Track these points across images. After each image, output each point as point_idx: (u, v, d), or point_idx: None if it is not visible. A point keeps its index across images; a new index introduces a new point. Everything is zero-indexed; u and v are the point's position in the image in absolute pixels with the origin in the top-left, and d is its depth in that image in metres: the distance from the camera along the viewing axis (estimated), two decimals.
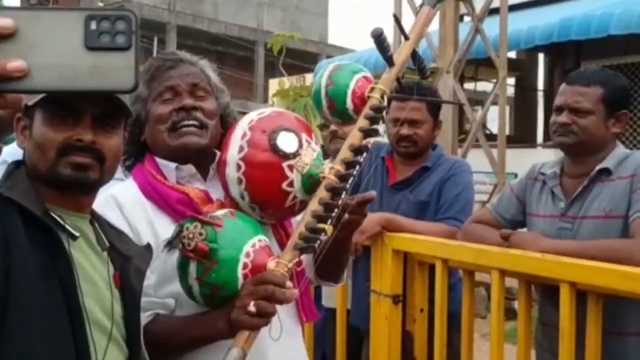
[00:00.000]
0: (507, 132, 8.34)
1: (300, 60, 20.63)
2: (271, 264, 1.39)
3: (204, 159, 1.63)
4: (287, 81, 14.08)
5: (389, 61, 1.60)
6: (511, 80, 12.41)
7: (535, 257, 2.00)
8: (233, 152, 1.49)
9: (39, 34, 0.69)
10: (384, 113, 1.58)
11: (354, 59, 12.03)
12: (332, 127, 3.03)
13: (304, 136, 1.51)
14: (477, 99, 14.80)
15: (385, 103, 1.59)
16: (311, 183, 1.49)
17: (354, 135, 1.52)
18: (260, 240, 1.42)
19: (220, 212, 1.45)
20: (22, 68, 0.69)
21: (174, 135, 1.58)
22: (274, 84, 14.93)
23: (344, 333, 2.80)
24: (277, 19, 26.97)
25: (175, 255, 1.42)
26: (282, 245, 1.59)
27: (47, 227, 1.19)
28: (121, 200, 1.55)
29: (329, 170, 1.47)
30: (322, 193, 1.46)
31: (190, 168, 1.60)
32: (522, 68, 12.19)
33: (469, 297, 2.32)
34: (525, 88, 12.71)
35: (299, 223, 1.47)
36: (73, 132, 1.24)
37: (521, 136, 11.59)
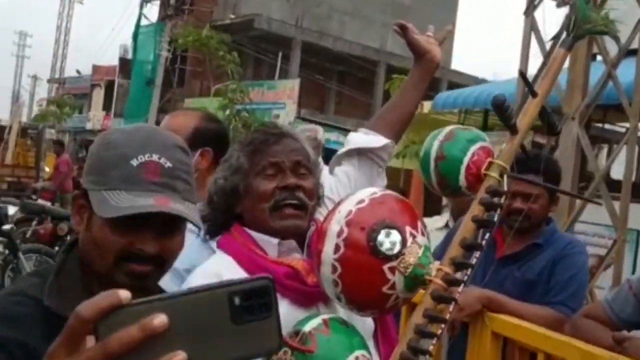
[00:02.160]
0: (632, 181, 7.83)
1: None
2: None
3: (303, 236, 1.61)
4: None
5: (512, 129, 1.46)
6: None
7: None
8: (328, 250, 1.36)
9: (188, 319, 0.70)
10: (503, 199, 1.41)
11: (486, 91, 11.75)
12: None
13: (407, 230, 1.34)
14: (605, 137, 14.08)
15: (505, 184, 1.44)
16: (415, 283, 1.34)
17: (466, 227, 1.38)
18: (357, 358, 1.31)
19: (313, 325, 1.34)
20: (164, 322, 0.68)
21: (276, 216, 1.57)
22: None
23: None
24: (401, 40, 26.82)
25: None
26: (383, 351, 1.52)
27: None
28: (225, 277, 1.47)
29: (437, 272, 1.33)
30: (427, 302, 1.32)
31: (291, 242, 1.58)
32: None
33: None
34: None
35: (400, 337, 1.37)
36: (135, 238, 1.18)
37: None
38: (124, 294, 0.68)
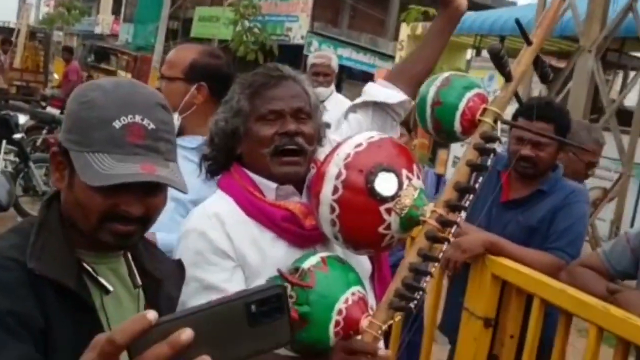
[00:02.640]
0: None
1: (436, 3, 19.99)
2: (364, 323, 1.35)
3: (301, 180, 1.63)
4: (421, 27, 13.75)
5: (507, 77, 1.48)
6: None
7: (637, 324, 1.91)
8: (327, 191, 1.42)
9: (210, 329, 0.78)
10: (497, 144, 1.45)
11: (502, 17, 11.49)
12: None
13: (404, 173, 1.39)
14: (621, 64, 13.84)
15: (499, 129, 1.47)
16: (410, 224, 1.40)
17: (460, 172, 1.42)
18: (354, 294, 1.38)
19: (312, 262, 1.41)
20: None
21: (275, 161, 1.57)
22: (405, 28, 14.60)
23: (431, 342, 2.80)
24: None
25: None
26: (378, 293, 1.58)
27: (80, 297, 1.17)
28: (224, 218, 1.55)
29: (431, 213, 1.38)
30: (421, 242, 1.38)
31: (289, 187, 1.59)
32: None
33: (562, 336, 2.26)
34: None
35: (395, 275, 1.41)
36: (119, 199, 1.18)
37: None
38: (152, 315, 0.75)
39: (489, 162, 1.43)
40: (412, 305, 1.36)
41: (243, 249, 1.53)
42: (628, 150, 7.01)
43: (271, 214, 1.56)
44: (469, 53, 14.39)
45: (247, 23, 16.30)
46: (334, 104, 4.78)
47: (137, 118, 1.17)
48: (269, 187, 1.59)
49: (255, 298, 0.80)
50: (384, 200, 1.37)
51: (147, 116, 1.19)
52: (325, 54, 5.03)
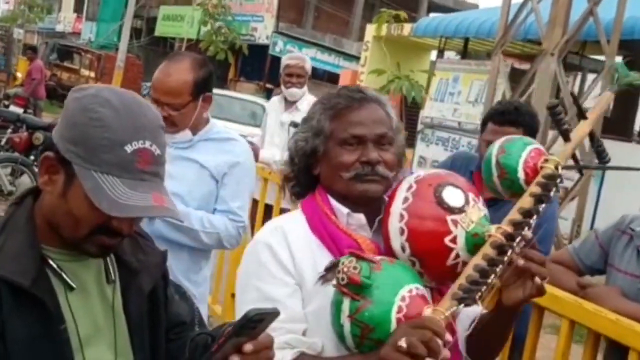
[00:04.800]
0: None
1: (403, 6, 20.21)
2: (427, 311, 1.34)
3: (376, 209, 1.57)
4: (385, 28, 13.91)
5: (565, 135, 1.60)
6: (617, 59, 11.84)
7: (608, 318, 2.00)
8: (397, 203, 1.48)
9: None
10: (558, 181, 1.52)
11: (467, 19, 11.67)
12: None
13: (471, 195, 1.47)
14: (578, 66, 14.18)
15: (560, 173, 1.53)
16: (475, 242, 1.42)
17: (524, 200, 1.49)
18: (417, 288, 1.38)
19: (379, 257, 1.43)
20: None
21: (354, 183, 1.55)
22: (370, 29, 14.75)
23: None
24: None
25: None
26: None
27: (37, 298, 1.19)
28: (290, 238, 1.55)
29: (496, 229, 1.42)
30: (487, 249, 1.40)
31: (360, 218, 1.56)
32: (632, 48, 11.58)
33: (535, 331, 2.34)
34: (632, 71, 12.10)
35: (461, 274, 1.41)
36: (113, 217, 1.19)
37: (616, 125, 11.12)
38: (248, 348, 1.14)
39: (552, 194, 1.51)
40: (475, 297, 1.36)
41: (303, 269, 1.52)
42: (589, 151, 7.21)
43: (338, 239, 1.54)
44: (434, 55, 14.60)
45: (216, 23, 16.25)
46: (307, 105, 4.84)
47: (147, 144, 1.20)
48: (341, 212, 1.57)
49: (237, 329, 1.16)
50: (451, 210, 1.43)
51: (154, 142, 1.21)
52: (299, 55, 5.10)
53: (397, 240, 1.46)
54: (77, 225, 1.21)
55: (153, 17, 26.01)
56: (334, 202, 1.58)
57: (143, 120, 1.22)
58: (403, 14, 9.76)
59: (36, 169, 7.57)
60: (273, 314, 1.16)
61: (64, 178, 1.20)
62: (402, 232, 1.45)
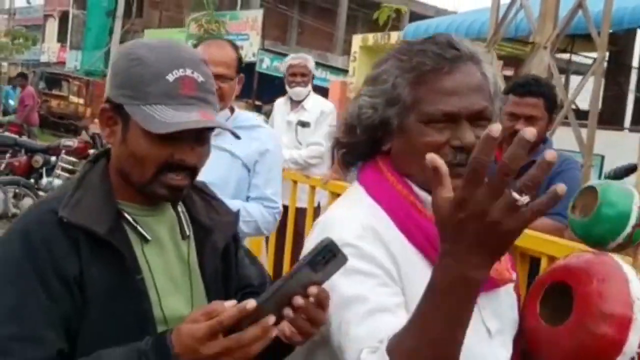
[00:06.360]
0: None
1: None
2: None
3: None
4: (372, 38, 14.01)
5: None
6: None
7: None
8: (633, 342, 1.18)
9: (291, 293, 1.09)
10: None
11: (455, 22, 11.81)
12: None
13: None
14: (563, 68, 14.43)
15: None
16: None
17: None
18: None
19: None
20: None
21: None
22: (357, 40, 14.86)
23: None
24: None
25: None
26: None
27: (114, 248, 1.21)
28: (381, 233, 1.23)
29: None
30: None
31: None
32: (617, 43, 11.79)
33: None
34: (619, 65, 12.31)
35: None
36: (174, 149, 1.22)
37: (609, 116, 11.30)
38: (251, 305, 1.03)
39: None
40: None
41: (399, 264, 1.22)
42: (587, 142, 7.33)
43: (434, 237, 1.16)
44: None
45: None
46: (312, 104, 4.91)
47: (188, 71, 1.23)
48: (427, 201, 1.23)
49: (315, 258, 1.06)
50: None
51: (196, 70, 1.24)
52: (301, 54, 5.16)
53: None
54: (142, 166, 1.23)
55: None
56: (417, 189, 1.26)
57: (182, 53, 1.27)
58: (404, 9, 9.85)
59: (39, 192, 7.60)
60: (343, 258, 1.08)
61: (122, 125, 1.25)
62: None
